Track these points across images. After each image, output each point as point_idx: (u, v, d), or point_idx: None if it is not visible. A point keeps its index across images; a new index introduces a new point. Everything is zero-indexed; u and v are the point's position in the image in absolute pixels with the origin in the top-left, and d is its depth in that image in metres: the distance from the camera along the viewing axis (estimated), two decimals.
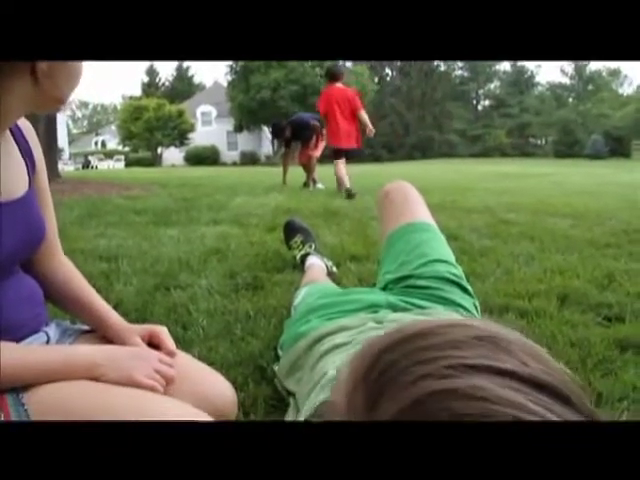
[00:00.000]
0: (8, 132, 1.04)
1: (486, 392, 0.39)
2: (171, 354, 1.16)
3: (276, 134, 9.01)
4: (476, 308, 1.44)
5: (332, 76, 7.54)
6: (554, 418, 0.41)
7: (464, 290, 1.44)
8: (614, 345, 1.76)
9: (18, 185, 1.05)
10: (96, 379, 0.99)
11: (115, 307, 1.99)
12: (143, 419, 0.92)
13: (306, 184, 8.82)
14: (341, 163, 7.47)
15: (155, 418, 0.93)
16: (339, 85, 7.46)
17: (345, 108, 7.27)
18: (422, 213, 1.70)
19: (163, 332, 1.21)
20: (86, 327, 1.25)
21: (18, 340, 1.03)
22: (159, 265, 2.86)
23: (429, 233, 1.61)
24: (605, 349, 1.73)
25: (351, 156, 7.79)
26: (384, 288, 1.50)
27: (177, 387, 1.08)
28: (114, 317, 1.23)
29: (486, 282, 2.51)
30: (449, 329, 0.44)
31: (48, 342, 1.12)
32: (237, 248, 3.31)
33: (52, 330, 1.16)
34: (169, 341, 1.20)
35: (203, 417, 0.98)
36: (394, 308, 1.35)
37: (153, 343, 1.20)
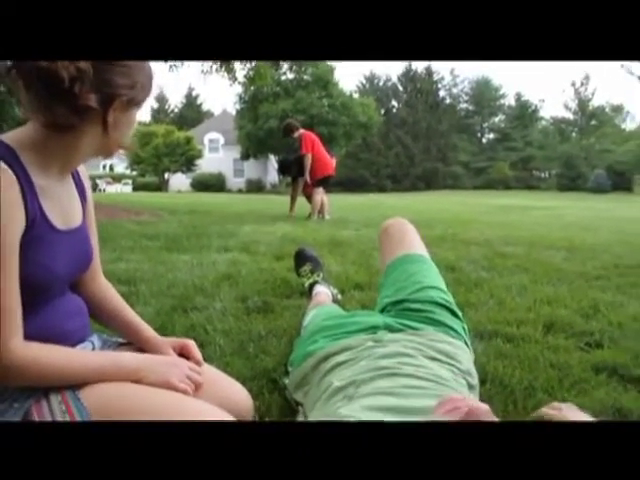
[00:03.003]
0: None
1: None
2: (199, 363, 1.36)
3: (283, 170, 9.13)
4: (464, 330, 1.64)
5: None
6: None
7: (454, 314, 1.64)
8: (590, 368, 1.96)
9: (76, 217, 1.26)
10: (138, 381, 1.19)
11: None
12: (181, 417, 1.11)
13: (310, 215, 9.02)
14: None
15: (191, 417, 1.12)
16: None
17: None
18: (417, 246, 1.91)
19: (191, 345, 1.41)
20: (122, 340, 1.44)
21: (69, 347, 1.23)
22: (175, 288, 3.07)
23: (423, 264, 1.82)
24: (582, 371, 1.92)
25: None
26: (382, 310, 1.70)
27: (204, 392, 1.27)
28: (149, 331, 1.42)
29: (479, 311, 2.70)
30: None
31: (94, 350, 1.32)
32: (247, 274, 3.51)
33: (95, 340, 1.35)
34: (197, 353, 1.39)
35: (229, 418, 1.17)
36: (391, 329, 1.55)
37: (183, 354, 1.39)
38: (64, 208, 1.20)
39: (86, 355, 1.22)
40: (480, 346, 2.13)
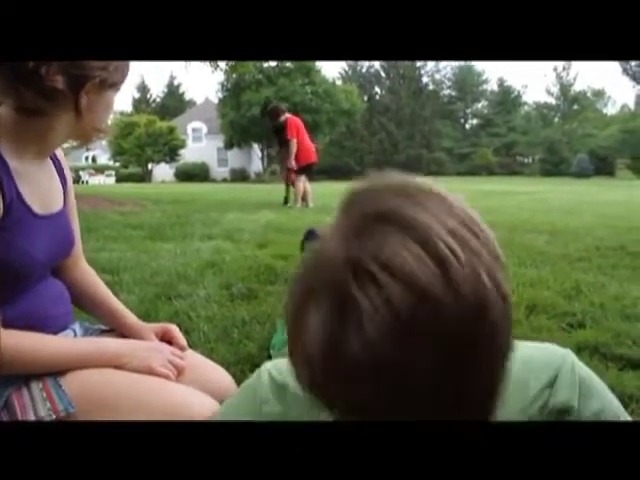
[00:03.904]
0: (48, 157, 1.23)
1: None
2: (182, 348, 1.35)
3: (272, 117, 8.64)
4: None
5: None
6: None
7: None
8: (572, 347, 1.97)
9: (57, 201, 1.23)
10: (120, 367, 1.18)
11: None
12: (163, 403, 1.11)
13: (286, 200, 8.88)
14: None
15: (173, 402, 1.12)
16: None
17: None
18: None
19: (174, 330, 1.40)
20: (104, 327, 1.43)
21: (52, 334, 1.22)
22: (159, 277, 3.05)
23: None
24: None
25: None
26: None
27: (186, 377, 1.26)
28: (132, 318, 1.40)
29: None
30: None
31: (75, 337, 1.31)
32: (231, 262, 3.50)
33: (77, 328, 1.34)
34: (180, 338, 1.38)
35: (212, 402, 1.16)
36: None
37: (165, 339, 1.38)
38: (43, 192, 1.17)
39: (68, 341, 1.21)
40: None
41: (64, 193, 1.28)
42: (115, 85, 1.14)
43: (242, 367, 1.78)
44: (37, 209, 1.14)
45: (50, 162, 1.24)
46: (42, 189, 1.17)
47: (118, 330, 1.39)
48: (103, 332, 1.41)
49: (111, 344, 1.23)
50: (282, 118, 8.32)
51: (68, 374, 1.11)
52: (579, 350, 1.95)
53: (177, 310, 2.38)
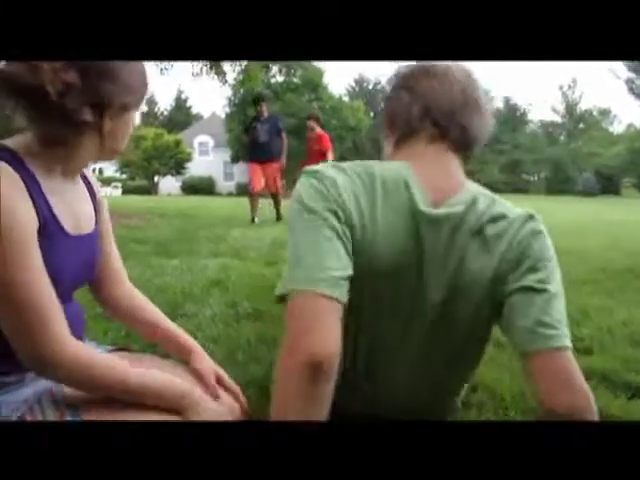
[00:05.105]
0: (79, 178, 1.22)
1: None
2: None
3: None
4: None
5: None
6: None
7: None
8: None
9: (88, 223, 1.21)
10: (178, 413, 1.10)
11: (126, 334, 2.16)
12: None
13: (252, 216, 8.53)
14: None
15: None
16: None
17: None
18: None
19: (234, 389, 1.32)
20: (111, 347, 1.40)
21: None
22: (164, 294, 3.04)
23: None
24: None
25: None
26: None
27: None
28: (183, 337, 1.35)
29: None
30: None
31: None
32: (237, 280, 3.49)
33: None
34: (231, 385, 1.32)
35: None
36: None
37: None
38: (75, 212, 1.16)
39: (137, 370, 1.17)
40: None
41: (96, 214, 1.26)
42: (135, 106, 1.15)
43: (247, 390, 1.76)
44: (69, 228, 1.12)
45: (81, 183, 1.23)
46: (74, 209, 1.16)
47: (176, 354, 1.33)
48: (111, 352, 1.38)
49: (178, 386, 1.13)
50: (312, 125, 8.37)
51: (92, 409, 1.06)
52: (586, 378, 1.93)
53: (183, 329, 2.37)
